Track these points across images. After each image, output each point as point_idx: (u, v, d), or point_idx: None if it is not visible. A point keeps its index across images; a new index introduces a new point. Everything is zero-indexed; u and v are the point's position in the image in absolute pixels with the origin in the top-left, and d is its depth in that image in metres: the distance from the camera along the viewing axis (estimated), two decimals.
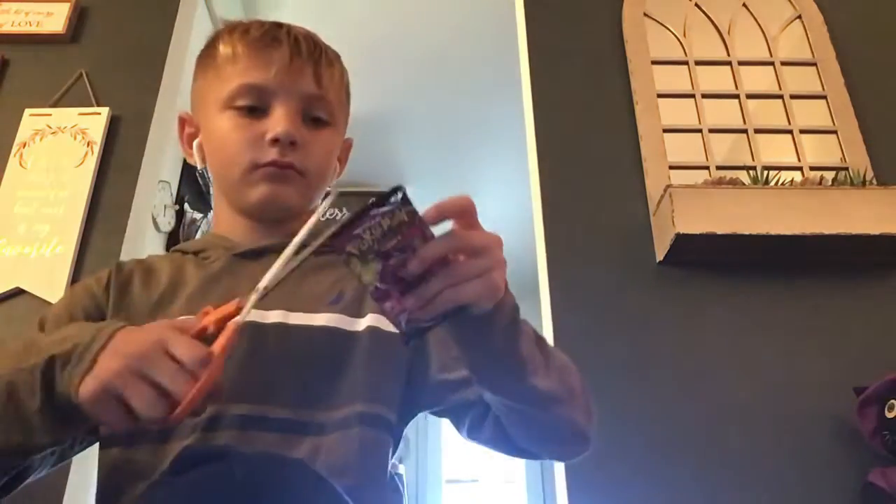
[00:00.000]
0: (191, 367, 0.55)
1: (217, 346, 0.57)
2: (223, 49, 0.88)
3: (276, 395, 0.73)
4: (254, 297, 0.61)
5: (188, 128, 0.94)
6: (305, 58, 0.86)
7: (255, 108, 0.84)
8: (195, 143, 0.92)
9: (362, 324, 0.80)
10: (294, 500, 0.57)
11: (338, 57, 0.94)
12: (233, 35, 0.88)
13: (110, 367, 0.56)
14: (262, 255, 0.84)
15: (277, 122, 0.83)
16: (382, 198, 0.51)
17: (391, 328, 0.68)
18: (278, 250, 0.71)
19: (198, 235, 2.32)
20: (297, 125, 0.84)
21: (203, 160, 0.91)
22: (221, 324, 0.60)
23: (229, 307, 0.62)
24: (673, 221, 1.63)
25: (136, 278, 0.85)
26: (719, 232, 1.63)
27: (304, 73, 0.85)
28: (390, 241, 0.52)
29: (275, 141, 0.82)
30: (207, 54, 0.92)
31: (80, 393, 0.56)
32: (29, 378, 0.60)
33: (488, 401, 0.75)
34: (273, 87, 0.84)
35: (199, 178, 2.46)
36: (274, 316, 0.78)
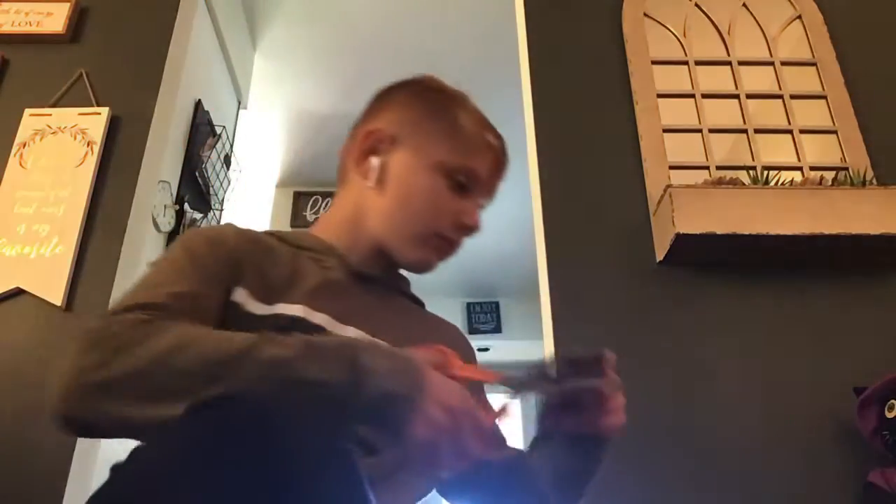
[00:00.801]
0: (485, 445, 0.65)
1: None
2: (464, 119, 0.93)
3: None
4: (507, 399, 0.73)
5: (378, 143, 0.92)
6: (504, 169, 0.97)
7: (461, 187, 0.90)
8: (376, 162, 0.91)
9: None
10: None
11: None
12: (473, 115, 0.95)
13: (440, 421, 0.63)
14: (373, 282, 0.90)
15: (475, 213, 0.91)
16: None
17: None
18: (386, 283, 0.92)
19: None
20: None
21: (375, 180, 0.90)
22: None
23: (487, 377, 0.73)
24: (673, 221, 1.63)
25: (259, 247, 0.86)
26: (719, 232, 1.63)
27: (499, 179, 0.96)
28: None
29: (466, 228, 0.90)
30: (444, 106, 0.94)
31: (414, 432, 0.62)
32: (346, 387, 0.62)
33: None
34: (483, 181, 0.92)
35: (199, 178, 2.46)
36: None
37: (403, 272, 0.99)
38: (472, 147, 0.91)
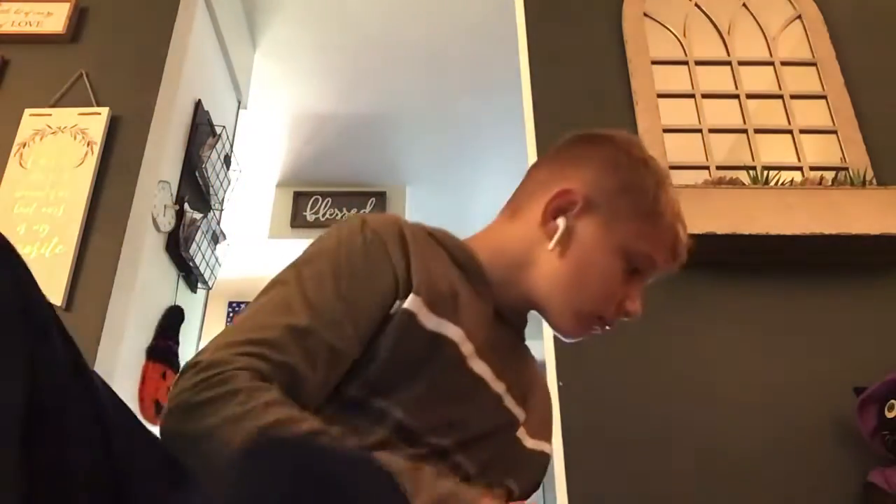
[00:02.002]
0: None
1: None
2: (663, 206, 0.86)
3: (473, 459, 0.83)
4: None
5: (571, 204, 0.85)
6: (680, 262, 0.91)
7: (637, 272, 0.86)
8: (562, 224, 0.84)
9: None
10: None
11: None
12: (671, 203, 0.87)
13: None
14: (509, 324, 0.90)
15: (638, 299, 0.87)
16: None
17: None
18: (517, 328, 0.92)
19: (197, 236, 2.32)
20: None
21: (558, 242, 0.84)
22: None
23: None
24: None
25: (429, 249, 0.83)
26: (719, 232, 1.63)
27: (673, 269, 0.90)
28: None
29: (626, 313, 0.86)
30: (647, 185, 0.86)
31: None
32: None
33: None
34: (656, 271, 0.87)
35: (199, 178, 2.46)
36: (500, 388, 0.86)
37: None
38: (663, 239, 0.85)
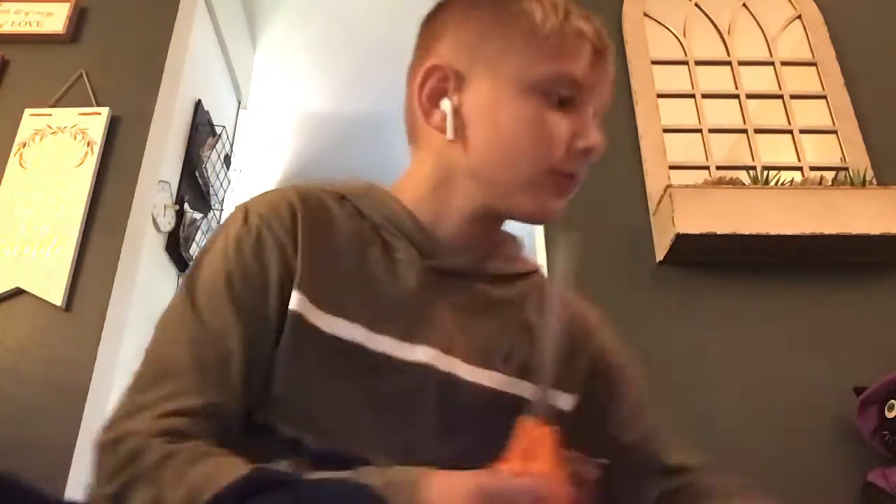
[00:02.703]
0: None
1: (554, 467, 0.54)
2: (538, 12, 0.69)
3: (430, 452, 0.63)
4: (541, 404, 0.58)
5: (441, 82, 0.70)
6: (607, 57, 0.73)
7: (565, 104, 0.68)
8: (448, 106, 0.69)
9: (527, 390, 0.70)
10: None
11: None
12: (547, 3, 0.70)
13: None
14: (456, 277, 0.72)
15: (592, 129, 0.69)
16: None
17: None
18: (472, 275, 0.72)
19: (197, 236, 2.31)
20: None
21: (455, 131, 0.69)
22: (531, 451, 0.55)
23: (535, 433, 0.56)
24: (673, 221, 1.63)
25: (323, 229, 0.69)
26: (719, 232, 1.63)
27: (605, 73, 0.72)
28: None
29: (583, 151, 0.68)
30: (508, 5, 0.70)
31: None
32: None
33: None
34: (591, 88, 0.70)
35: (199, 178, 2.46)
36: (452, 364, 0.68)
37: (504, 241, 0.79)
38: (560, 45, 0.68)
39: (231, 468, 0.55)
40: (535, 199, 0.69)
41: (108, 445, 0.59)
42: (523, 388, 0.70)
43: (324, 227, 0.69)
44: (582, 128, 0.69)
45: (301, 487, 0.52)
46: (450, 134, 0.69)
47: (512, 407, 0.63)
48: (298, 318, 0.64)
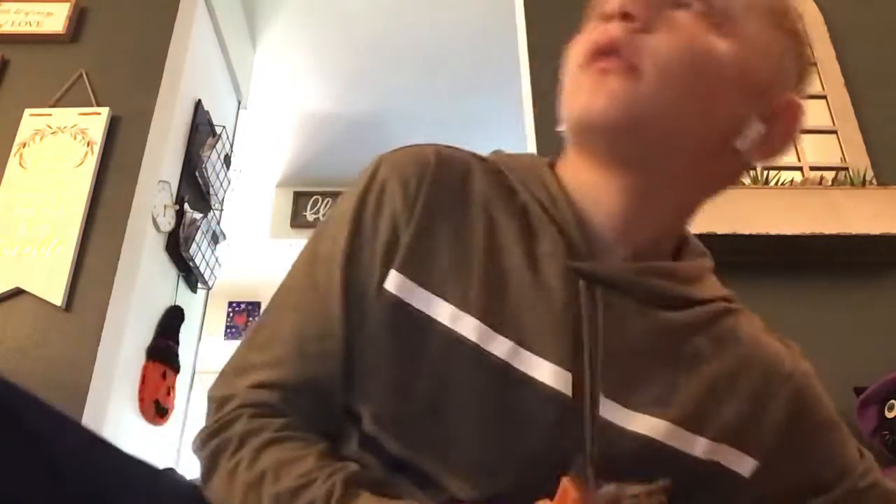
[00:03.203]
0: None
1: None
2: None
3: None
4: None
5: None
6: None
7: (606, 14, 0.58)
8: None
9: (701, 445, 0.57)
10: None
11: None
12: None
13: None
14: (610, 288, 0.58)
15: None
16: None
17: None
18: (628, 288, 0.57)
19: (197, 236, 2.31)
20: (643, 1, 0.56)
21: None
22: None
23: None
24: None
25: (453, 199, 0.60)
26: (719, 232, 1.63)
27: None
28: None
29: (605, 19, 0.57)
30: None
31: None
32: None
33: None
34: None
35: (199, 178, 2.46)
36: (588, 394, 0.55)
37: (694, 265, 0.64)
38: None
39: (289, 469, 0.54)
40: (581, 94, 0.57)
41: (217, 401, 0.60)
42: (685, 441, 0.56)
43: (455, 198, 0.60)
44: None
45: None
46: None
47: (670, 462, 0.53)
48: (395, 300, 0.56)
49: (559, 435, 0.54)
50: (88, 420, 1.59)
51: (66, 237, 1.74)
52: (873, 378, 1.48)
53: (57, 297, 1.67)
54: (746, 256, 1.70)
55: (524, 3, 2.11)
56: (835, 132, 1.90)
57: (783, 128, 0.60)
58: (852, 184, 1.73)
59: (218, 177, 2.61)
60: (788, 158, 1.89)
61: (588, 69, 0.56)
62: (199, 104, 2.42)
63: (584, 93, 0.56)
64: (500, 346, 0.54)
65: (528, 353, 0.54)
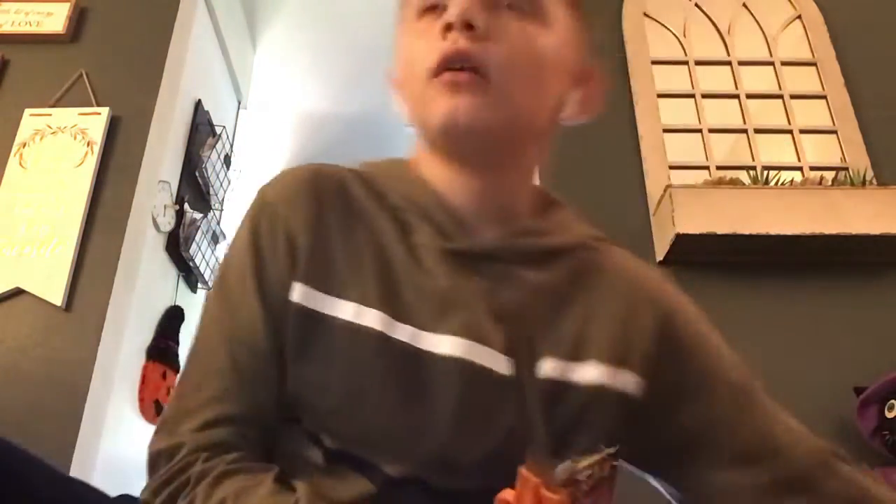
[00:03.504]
0: None
1: None
2: None
3: (474, 469, 0.60)
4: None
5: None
6: None
7: (440, 8, 0.64)
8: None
9: (588, 373, 0.63)
10: None
11: None
12: None
13: None
14: (486, 260, 0.64)
15: (452, 5, 0.62)
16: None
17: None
18: (503, 257, 0.64)
19: (197, 236, 2.31)
20: (479, 7, 0.62)
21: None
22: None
23: (544, 497, 0.48)
24: (673, 221, 1.64)
25: (338, 214, 0.65)
26: (719, 232, 1.63)
27: None
28: (590, 495, 0.49)
29: (447, 29, 0.62)
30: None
31: None
32: None
33: None
34: None
35: (199, 178, 2.46)
36: (489, 358, 0.61)
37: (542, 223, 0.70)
38: None
39: (246, 497, 0.55)
40: (432, 111, 0.63)
41: (165, 453, 0.60)
42: (582, 374, 0.62)
43: (337, 208, 0.65)
44: (447, 13, 0.63)
45: None
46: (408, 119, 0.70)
47: (575, 406, 0.60)
48: (302, 310, 0.61)
49: (472, 400, 0.59)
50: (88, 420, 1.59)
51: (66, 237, 1.74)
52: (873, 378, 1.48)
53: (57, 297, 1.67)
54: (746, 256, 1.70)
55: None
56: (835, 132, 1.90)
57: (594, 90, 0.75)
58: (852, 184, 1.73)
59: (218, 177, 2.61)
60: (788, 158, 1.89)
61: (441, 79, 0.62)
62: (199, 104, 2.42)
63: (443, 103, 0.62)
64: (403, 332, 0.60)
65: (428, 333, 0.60)
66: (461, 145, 0.64)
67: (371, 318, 0.60)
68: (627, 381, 0.64)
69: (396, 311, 0.61)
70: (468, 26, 0.61)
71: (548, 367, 0.61)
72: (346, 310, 0.61)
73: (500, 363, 0.60)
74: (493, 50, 0.61)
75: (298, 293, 0.61)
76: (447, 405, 0.59)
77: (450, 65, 0.61)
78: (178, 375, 0.66)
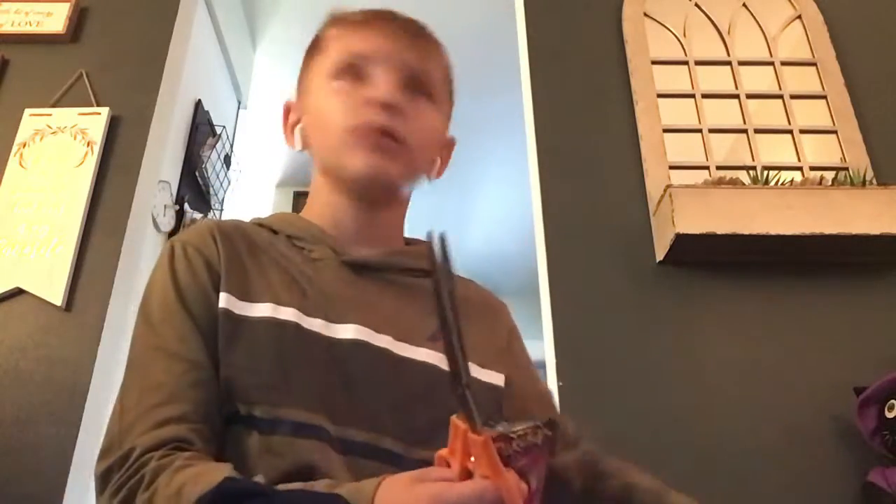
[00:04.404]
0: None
1: (498, 474, 0.51)
2: (328, 31, 0.89)
3: (387, 426, 0.71)
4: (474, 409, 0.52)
5: (292, 115, 0.91)
6: (409, 32, 0.86)
7: (357, 75, 0.82)
8: (297, 129, 0.88)
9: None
10: None
11: (443, 46, 0.92)
12: (338, 18, 0.90)
13: None
14: (371, 270, 0.81)
15: (379, 85, 0.80)
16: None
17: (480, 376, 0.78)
18: (384, 268, 0.81)
19: None
20: (400, 92, 0.81)
21: (305, 143, 0.87)
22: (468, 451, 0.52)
23: (469, 439, 0.52)
24: (673, 221, 1.63)
25: (241, 245, 0.79)
26: (719, 232, 1.63)
27: (406, 44, 0.84)
28: (523, 456, 0.53)
29: (375, 102, 0.79)
30: (313, 43, 0.91)
31: None
32: None
33: None
34: (375, 55, 0.82)
35: (199, 178, 2.46)
36: (384, 342, 0.75)
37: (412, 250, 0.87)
38: (340, 39, 0.85)
39: (208, 475, 0.58)
40: (351, 158, 0.79)
41: (116, 463, 0.63)
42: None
43: (243, 243, 0.79)
44: (373, 86, 0.80)
45: (273, 498, 0.57)
46: (299, 146, 0.87)
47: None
48: (226, 313, 0.71)
49: (372, 376, 0.73)
50: (88, 420, 1.59)
51: (66, 237, 1.74)
52: (873, 378, 1.48)
53: (57, 297, 1.67)
54: (746, 256, 1.70)
55: (524, 3, 2.11)
56: (835, 132, 1.90)
57: (446, 156, 0.93)
58: (852, 184, 1.73)
59: (218, 177, 2.61)
60: (788, 158, 1.89)
61: (362, 136, 0.79)
62: (199, 104, 2.42)
63: (362, 156, 0.78)
64: (313, 322, 0.73)
65: (334, 324, 0.73)
66: (368, 190, 0.81)
67: (287, 313, 0.72)
68: (493, 376, 0.80)
69: (306, 309, 0.73)
70: (392, 107, 0.79)
71: (422, 354, 0.75)
72: (264, 310, 0.72)
73: (393, 346, 0.74)
74: (409, 126, 0.80)
75: (224, 300, 0.72)
76: (356, 378, 0.71)
77: (380, 133, 0.78)
78: (115, 403, 0.70)
